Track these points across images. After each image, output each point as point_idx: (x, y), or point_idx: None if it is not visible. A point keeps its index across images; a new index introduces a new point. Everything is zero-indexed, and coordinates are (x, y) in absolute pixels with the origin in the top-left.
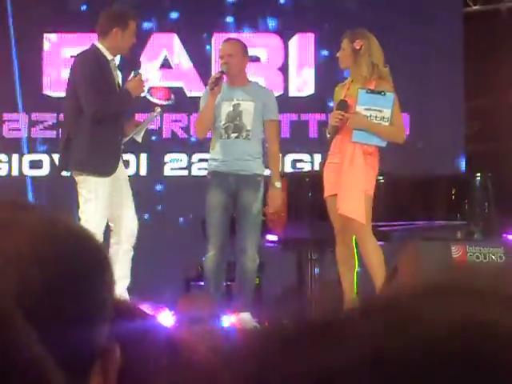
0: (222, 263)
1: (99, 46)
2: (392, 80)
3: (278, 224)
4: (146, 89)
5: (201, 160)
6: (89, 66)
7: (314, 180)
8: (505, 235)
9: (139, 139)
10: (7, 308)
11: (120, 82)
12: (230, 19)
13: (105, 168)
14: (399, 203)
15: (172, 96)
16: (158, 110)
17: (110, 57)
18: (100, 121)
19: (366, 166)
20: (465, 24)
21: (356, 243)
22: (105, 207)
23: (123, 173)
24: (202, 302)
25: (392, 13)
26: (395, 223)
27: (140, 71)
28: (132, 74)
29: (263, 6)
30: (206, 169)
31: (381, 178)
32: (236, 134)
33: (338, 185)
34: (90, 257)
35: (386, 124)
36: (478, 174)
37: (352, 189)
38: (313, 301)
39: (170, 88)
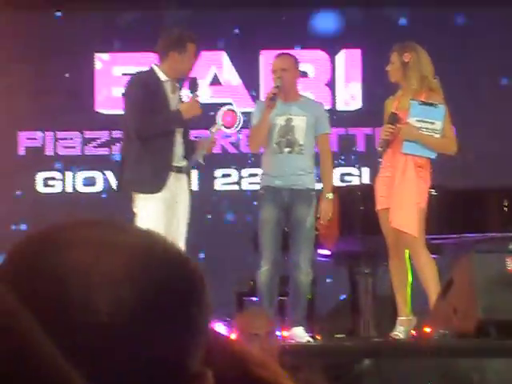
0: (275, 278)
1: (155, 68)
2: (443, 92)
3: (330, 238)
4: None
5: (251, 175)
6: (134, 87)
7: (366, 193)
8: None
9: (201, 160)
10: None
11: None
12: (276, 35)
13: (151, 186)
14: (452, 216)
15: (238, 121)
16: (216, 127)
17: (164, 78)
18: (144, 140)
19: (418, 178)
20: None
21: (409, 257)
22: (157, 225)
23: (183, 197)
24: (260, 319)
25: (442, 27)
26: (448, 236)
27: (197, 92)
28: (189, 95)
29: (310, 21)
30: (257, 183)
31: (433, 190)
32: (289, 149)
33: (390, 198)
34: (185, 282)
35: (438, 136)
36: None
37: (404, 202)
38: (364, 315)
39: (235, 113)
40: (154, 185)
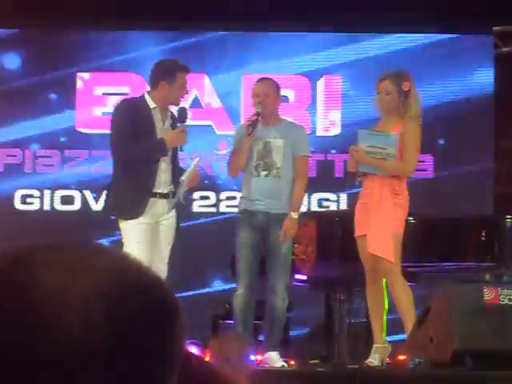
0: (251, 302)
1: (146, 95)
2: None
3: (305, 262)
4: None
5: (229, 198)
6: (120, 111)
7: (344, 219)
8: None
9: (181, 199)
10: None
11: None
12: (258, 60)
13: (130, 212)
14: (429, 244)
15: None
16: (197, 159)
17: (152, 105)
18: (125, 165)
19: (394, 206)
20: (496, 64)
21: (386, 284)
22: (139, 250)
23: (168, 222)
24: (234, 343)
25: (421, 55)
26: (425, 264)
27: (184, 124)
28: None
29: (291, 47)
30: (234, 206)
31: (411, 218)
32: (266, 172)
33: (366, 225)
34: (159, 307)
35: (391, 159)
36: (509, 216)
37: (380, 228)
38: (339, 341)
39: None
40: (133, 211)
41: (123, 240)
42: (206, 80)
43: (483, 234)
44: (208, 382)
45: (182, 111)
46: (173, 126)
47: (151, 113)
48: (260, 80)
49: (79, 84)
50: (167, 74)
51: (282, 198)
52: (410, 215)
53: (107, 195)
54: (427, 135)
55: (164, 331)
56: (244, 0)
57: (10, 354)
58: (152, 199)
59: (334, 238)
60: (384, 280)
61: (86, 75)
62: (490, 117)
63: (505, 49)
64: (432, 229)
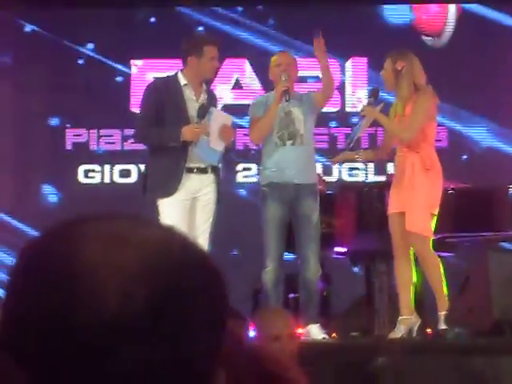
0: (281, 276)
1: (179, 73)
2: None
3: (346, 234)
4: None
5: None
6: (146, 93)
7: (382, 191)
8: None
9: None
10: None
11: (203, 108)
12: (294, 43)
13: (164, 189)
14: (467, 214)
15: None
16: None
17: (184, 82)
18: (150, 147)
19: (427, 181)
20: None
21: (415, 258)
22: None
23: (206, 197)
24: (282, 320)
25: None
26: (463, 234)
27: (207, 121)
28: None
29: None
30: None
31: (449, 189)
32: (291, 141)
33: (400, 203)
34: (202, 282)
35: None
36: None
37: (416, 206)
38: (380, 313)
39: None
40: (167, 188)
41: (160, 217)
42: (247, 64)
43: None
44: (250, 359)
45: (203, 108)
46: (209, 102)
47: (182, 90)
48: (279, 52)
49: (134, 69)
50: (194, 48)
51: (309, 167)
52: (447, 186)
53: (144, 174)
54: None
55: (206, 306)
56: None
57: (53, 323)
58: (188, 174)
59: (373, 210)
60: (412, 253)
61: (139, 62)
62: None
63: None
64: (468, 199)
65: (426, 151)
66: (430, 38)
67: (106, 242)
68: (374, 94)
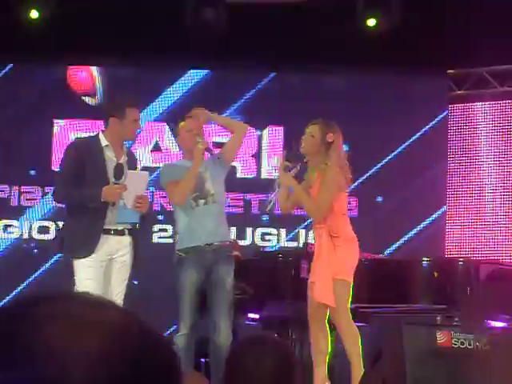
0: (192, 341)
1: (100, 133)
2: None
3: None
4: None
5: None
6: (65, 153)
7: (296, 259)
8: (489, 322)
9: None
10: None
11: (119, 167)
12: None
13: (81, 250)
14: (381, 286)
15: None
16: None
17: (105, 143)
18: (68, 207)
19: (334, 249)
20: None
21: (332, 326)
22: (89, 288)
23: (123, 258)
24: (196, 382)
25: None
26: (378, 305)
27: (123, 182)
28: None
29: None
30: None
31: (364, 260)
32: (203, 201)
33: (312, 272)
34: (160, 366)
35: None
36: (461, 259)
37: (321, 275)
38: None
39: None
40: (84, 249)
41: (74, 278)
42: (166, 128)
43: (435, 275)
44: None
45: (118, 168)
46: (129, 163)
47: (103, 150)
48: (187, 116)
49: (56, 129)
50: (116, 109)
51: (222, 225)
52: (362, 257)
53: (60, 234)
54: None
55: None
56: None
57: None
58: (105, 236)
59: (288, 278)
60: (327, 322)
61: (62, 122)
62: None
63: (458, 92)
64: (385, 271)
65: (332, 220)
66: None
67: (68, 323)
68: (290, 159)
